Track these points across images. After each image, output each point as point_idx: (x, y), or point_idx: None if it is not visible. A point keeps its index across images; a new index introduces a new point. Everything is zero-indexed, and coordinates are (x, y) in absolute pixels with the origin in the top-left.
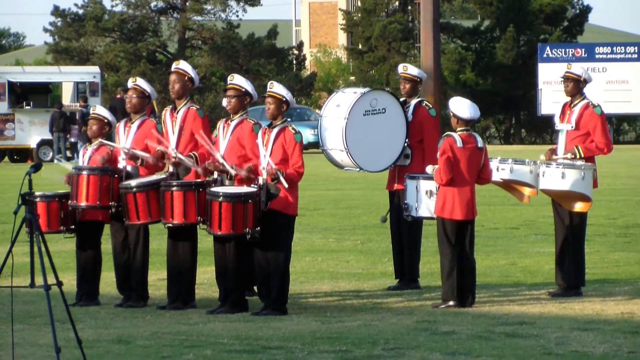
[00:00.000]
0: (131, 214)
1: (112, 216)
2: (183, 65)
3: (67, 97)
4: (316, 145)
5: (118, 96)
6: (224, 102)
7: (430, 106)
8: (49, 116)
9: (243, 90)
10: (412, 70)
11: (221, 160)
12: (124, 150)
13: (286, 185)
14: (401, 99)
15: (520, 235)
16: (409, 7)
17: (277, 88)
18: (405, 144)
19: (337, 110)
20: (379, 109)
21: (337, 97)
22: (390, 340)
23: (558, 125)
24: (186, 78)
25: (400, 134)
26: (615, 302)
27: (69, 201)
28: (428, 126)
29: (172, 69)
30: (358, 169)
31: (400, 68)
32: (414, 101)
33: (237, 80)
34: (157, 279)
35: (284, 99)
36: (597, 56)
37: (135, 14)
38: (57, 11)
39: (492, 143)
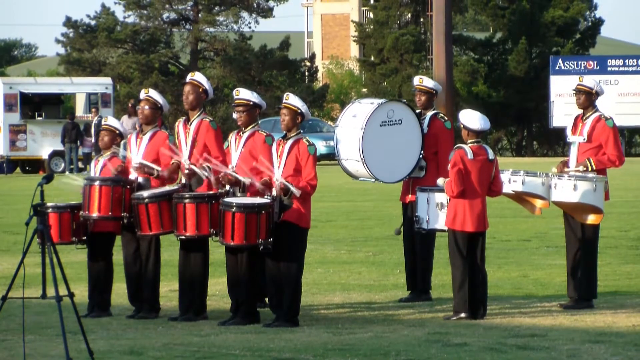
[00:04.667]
0: (143, 225)
1: (124, 227)
2: (198, 76)
3: (79, 109)
4: (329, 157)
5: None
6: (235, 115)
7: (446, 119)
8: (61, 127)
9: (251, 103)
10: (428, 82)
11: (233, 174)
12: (135, 165)
13: (298, 194)
14: (417, 111)
15: (532, 248)
16: (422, 19)
17: (292, 100)
18: (421, 156)
19: (353, 120)
20: (395, 120)
21: (354, 108)
22: (401, 352)
23: (570, 137)
24: (200, 90)
25: (416, 145)
26: (627, 314)
27: (81, 212)
28: (443, 138)
29: (187, 79)
30: (373, 180)
31: (416, 80)
32: (429, 113)
33: (243, 94)
34: (169, 290)
35: (299, 111)
36: (609, 69)
37: (148, 26)
38: (69, 22)
39: (504, 155)
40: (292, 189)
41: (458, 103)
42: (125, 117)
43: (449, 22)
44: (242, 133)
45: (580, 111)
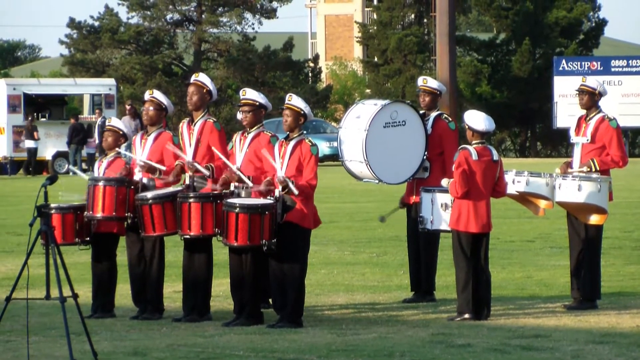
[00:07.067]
0: (147, 226)
1: (128, 228)
2: (202, 77)
3: (83, 110)
4: (332, 157)
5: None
6: (239, 115)
7: (450, 119)
8: (65, 128)
9: (257, 104)
10: (432, 83)
11: (238, 173)
12: (140, 163)
13: (296, 192)
14: (420, 112)
15: (536, 248)
16: (425, 20)
17: (295, 101)
18: (425, 157)
19: (357, 121)
20: (399, 121)
21: (358, 109)
22: (405, 352)
23: (573, 138)
24: (205, 90)
25: (420, 146)
26: (631, 315)
27: (85, 212)
28: (447, 139)
29: (191, 80)
30: (377, 181)
31: (420, 81)
32: (433, 114)
33: (250, 94)
34: (173, 291)
35: (302, 112)
36: (612, 69)
37: (151, 26)
38: (72, 23)
39: (508, 156)
40: (291, 185)
41: (461, 104)
42: (127, 118)
43: (452, 23)
44: (247, 134)
45: (584, 112)
